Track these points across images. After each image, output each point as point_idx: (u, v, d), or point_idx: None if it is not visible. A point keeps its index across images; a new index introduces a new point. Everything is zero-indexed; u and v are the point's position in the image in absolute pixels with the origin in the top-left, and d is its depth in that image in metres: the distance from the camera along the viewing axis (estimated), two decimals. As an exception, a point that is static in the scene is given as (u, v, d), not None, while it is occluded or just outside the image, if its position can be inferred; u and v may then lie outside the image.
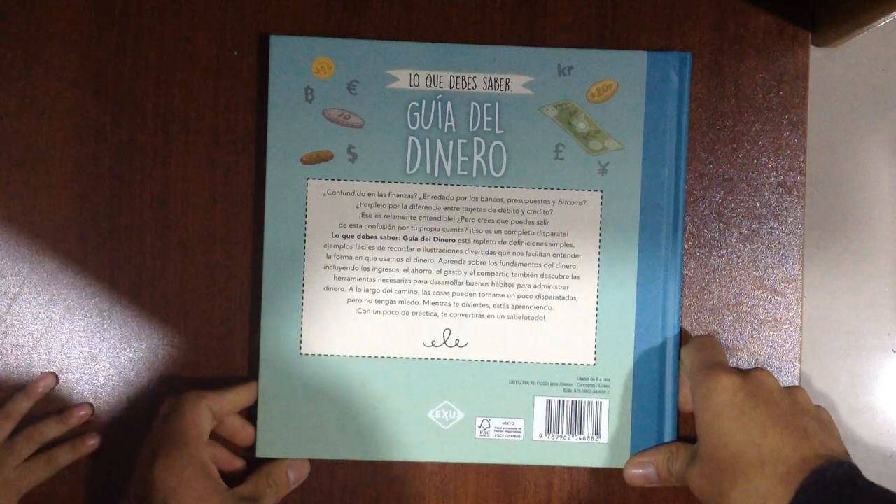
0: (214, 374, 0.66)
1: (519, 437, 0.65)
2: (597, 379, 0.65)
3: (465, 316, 0.65)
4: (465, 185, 0.65)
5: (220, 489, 0.59)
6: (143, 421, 0.66)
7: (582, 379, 0.65)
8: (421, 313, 0.65)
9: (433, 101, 0.65)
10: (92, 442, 0.66)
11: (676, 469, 0.63)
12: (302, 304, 0.65)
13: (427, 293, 0.65)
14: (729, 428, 0.58)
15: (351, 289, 0.65)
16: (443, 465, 0.67)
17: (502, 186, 0.65)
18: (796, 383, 0.67)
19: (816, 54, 0.68)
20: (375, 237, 0.65)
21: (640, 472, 0.65)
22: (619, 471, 0.66)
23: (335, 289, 0.65)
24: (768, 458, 0.56)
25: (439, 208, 0.65)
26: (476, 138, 0.65)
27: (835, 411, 0.69)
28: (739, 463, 0.57)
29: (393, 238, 0.65)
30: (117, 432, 0.67)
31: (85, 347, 0.66)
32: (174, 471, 0.57)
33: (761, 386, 0.60)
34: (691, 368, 0.63)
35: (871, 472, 0.67)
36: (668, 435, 0.65)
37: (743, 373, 0.61)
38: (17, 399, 0.65)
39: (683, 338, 0.66)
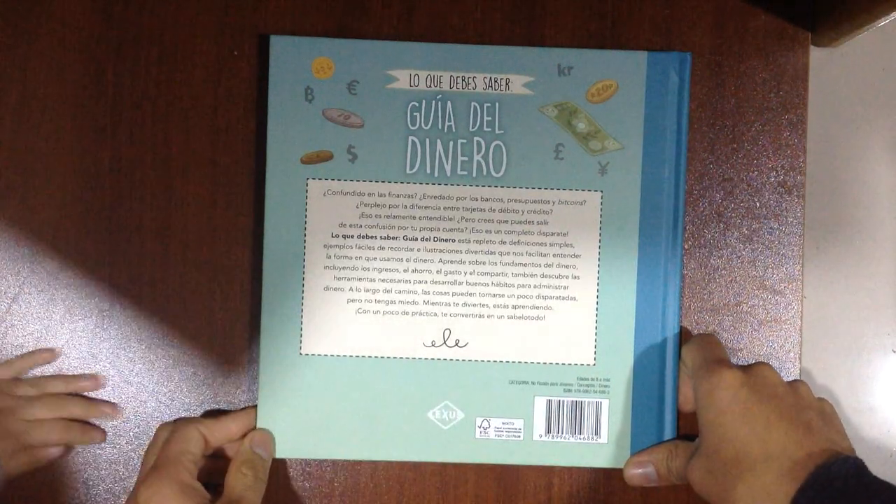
0: (214, 375, 0.66)
1: (519, 437, 0.65)
2: (597, 379, 0.65)
3: (465, 316, 0.65)
4: (465, 185, 0.65)
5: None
6: (143, 421, 0.66)
7: (582, 379, 0.65)
8: (421, 313, 0.65)
9: (433, 101, 0.65)
10: (107, 409, 0.66)
11: (676, 467, 0.63)
12: (302, 304, 0.65)
13: (427, 293, 0.65)
14: (733, 423, 0.58)
15: (351, 289, 0.65)
16: (443, 465, 0.67)
17: (502, 186, 0.65)
18: (797, 383, 0.67)
19: (816, 54, 0.68)
20: (375, 237, 0.65)
21: (639, 472, 0.65)
22: (620, 471, 0.66)
23: (335, 289, 0.65)
24: (773, 453, 0.56)
25: (439, 208, 0.65)
26: (476, 138, 0.65)
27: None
28: (744, 458, 0.57)
29: (393, 238, 0.65)
30: (119, 433, 0.66)
31: (85, 347, 0.66)
32: (155, 491, 0.58)
33: (764, 381, 0.60)
34: (693, 366, 0.63)
35: (872, 472, 0.67)
36: (669, 434, 0.65)
37: (745, 368, 0.61)
38: (54, 380, 0.66)
39: (683, 337, 0.66)
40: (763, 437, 0.57)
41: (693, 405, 0.64)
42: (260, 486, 0.62)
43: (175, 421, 0.63)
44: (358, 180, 0.65)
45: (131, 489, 0.60)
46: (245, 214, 0.67)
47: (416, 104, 0.65)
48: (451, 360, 0.65)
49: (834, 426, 0.60)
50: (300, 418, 0.65)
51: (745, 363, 0.67)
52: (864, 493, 0.53)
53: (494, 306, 0.65)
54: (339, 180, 0.65)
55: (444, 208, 0.65)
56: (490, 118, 0.65)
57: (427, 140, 0.65)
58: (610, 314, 0.65)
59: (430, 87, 0.65)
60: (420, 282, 0.65)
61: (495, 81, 0.65)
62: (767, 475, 0.55)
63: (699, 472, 0.60)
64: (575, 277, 0.65)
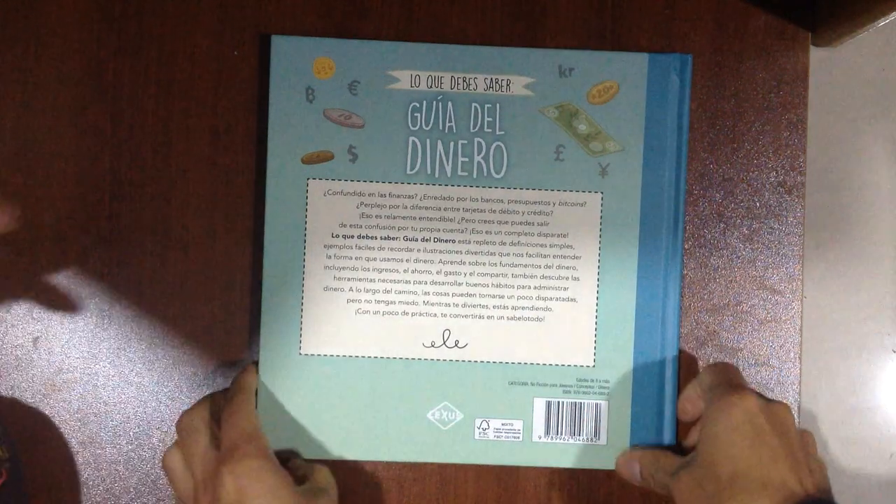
0: (214, 375, 0.66)
1: (518, 438, 0.65)
2: (596, 380, 0.65)
3: (465, 317, 0.65)
4: (465, 186, 0.65)
5: (288, 481, 0.58)
6: (143, 421, 0.66)
7: (581, 380, 0.65)
8: (421, 314, 0.65)
9: (434, 102, 0.65)
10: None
11: (658, 476, 0.62)
12: (302, 304, 0.65)
13: (427, 294, 0.65)
14: (741, 443, 0.58)
15: (351, 289, 0.65)
16: (442, 466, 0.67)
17: (502, 187, 0.65)
18: (796, 383, 0.67)
19: (816, 54, 0.68)
20: (375, 237, 0.65)
21: (627, 468, 0.65)
22: (619, 472, 0.66)
23: (335, 289, 0.65)
24: (773, 482, 0.56)
25: (439, 209, 0.65)
26: (476, 139, 0.65)
27: (835, 411, 0.69)
28: (742, 479, 0.57)
29: (393, 238, 0.65)
30: (119, 433, 0.67)
31: (85, 347, 0.66)
32: (243, 470, 0.56)
33: (781, 418, 0.59)
34: (711, 384, 0.62)
35: (872, 473, 0.68)
36: (668, 436, 0.65)
37: (766, 399, 0.61)
38: None
39: (686, 359, 0.66)
40: (767, 466, 0.57)
41: (691, 417, 0.64)
42: (335, 483, 0.64)
43: (209, 403, 0.62)
44: (358, 180, 0.65)
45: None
46: (245, 214, 0.67)
47: (417, 105, 0.65)
48: (451, 360, 0.65)
49: (827, 482, 0.60)
50: (300, 418, 0.65)
51: (746, 363, 0.67)
52: None
53: (494, 307, 0.65)
54: (339, 180, 0.65)
55: (445, 209, 0.65)
56: (491, 119, 0.65)
57: (428, 141, 0.65)
58: (610, 315, 0.65)
59: (431, 87, 0.65)
60: (420, 282, 0.65)
61: (496, 82, 0.65)
62: (762, 500, 0.56)
63: (686, 484, 0.59)
64: (575, 279, 0.65)
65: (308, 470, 0.63)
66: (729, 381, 0.62)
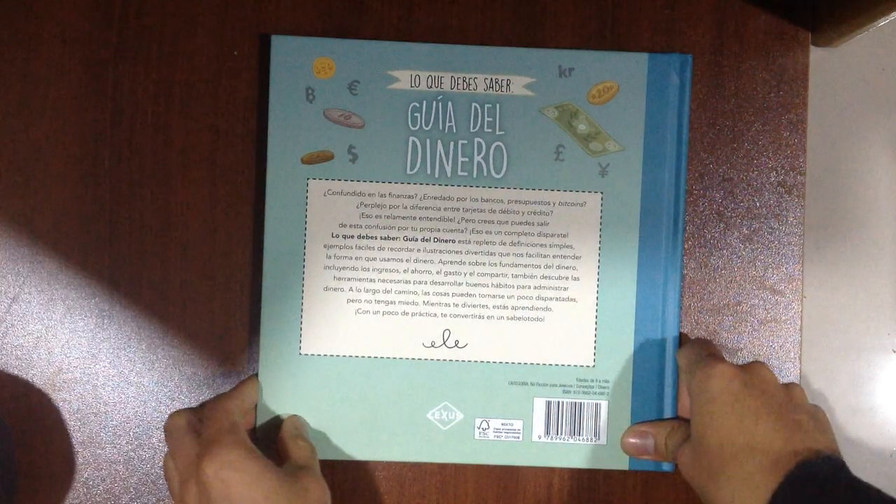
0: (214, 375, 0.66)
1: (518, 438, 0.65)
2: (596, 380, 0.65)
3: (465, 317, 0.65)
4: (465, 186, 0.65)
5: (270, 466, 0.57)
6: (143, 421, 0.66)
7: (581, 380, 0.65)
8: (421, 314, 0.65)
9: (434, 102, 0.65)
10: None
11: (672, 444, 0.63)
12: (302, 304, 0.65)
13: (427, 294, 0.65)
14: (722, 413, 0.58)
15: (351, 289, 0.65)
16: (442, 466, 0.67)
17: (502, 187, 0.65)
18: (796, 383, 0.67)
19: (816, 54, 0.68)
20: (375, 237, 0.65)
21: (638, 442, 0.64)
22: (619, 472, 0.66)
23: (335, 289, 0.65)
24: (759, 445, 0.56)
25: (439, 209, 0.65)
26: (476, 139, 0.65)
27: (835, 411, 0.69)
28: (728, 447, 0.57)
29: (393, 238, 0.65)
30: (119, 433, 0.67)
31: (85, 347, 0.66)
32: (222, 461, 0.56)
33: (758, 377, 0.60)
34: (687, 363, 0.63)
35: (871, 472, 0.68)
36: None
37: (741, 365, 0.61)
38: None
39: (682, 340, 0.66)
40: (750, 429, 0.57)
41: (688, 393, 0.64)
42: (317, 456, 0.63)
43: (193, 409, 0.62)
44: (358, 180, 0.65)
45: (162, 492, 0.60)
46: (245, 214, 0.67)
47: (417, 105, 0.65)
48: (451, 360, 0.65)
49: (824, 430, 0.59)
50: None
51: (745, 363, 0.67)
52: (844, 491, 0.53)
53: (494, 307, 0.65)
54: (339, 180, 0.65)
55: (445, 209, 0.65)
56: (491, 119, 0.65)
57: (428, 141, 0.65)
58: (609, 315, 0.65)
59: (431, 87, 0.65)
60: (420, 282, 0.65)
61: (496, 82, 0.65)
62: (750, 465, 0.55)
63: (687, 458, 0.60)
64: (575, 279, 0.65)
65: (286, 447, 0.63)
66: (700, 354, 0.62)
